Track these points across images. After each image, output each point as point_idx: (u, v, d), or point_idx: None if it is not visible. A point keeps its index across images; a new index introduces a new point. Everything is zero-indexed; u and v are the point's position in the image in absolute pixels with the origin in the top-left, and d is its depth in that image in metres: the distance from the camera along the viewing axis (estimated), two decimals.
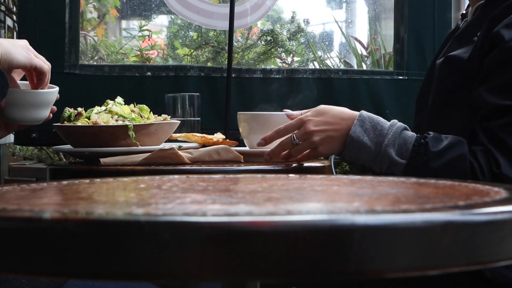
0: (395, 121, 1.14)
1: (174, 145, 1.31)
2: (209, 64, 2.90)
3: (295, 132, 1.17)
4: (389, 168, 1.09)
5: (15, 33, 3.40)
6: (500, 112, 1.05)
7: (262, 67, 2.83)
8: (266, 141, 1.22)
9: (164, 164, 1.23)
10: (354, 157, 1.14)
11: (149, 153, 1.24)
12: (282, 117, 1.38)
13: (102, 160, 1.24)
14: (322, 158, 1.41)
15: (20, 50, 1.13)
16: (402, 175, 1.06)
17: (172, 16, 3.27)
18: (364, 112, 1.15)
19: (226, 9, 2.63)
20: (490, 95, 1.06)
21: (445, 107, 1.19)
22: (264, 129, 1.33)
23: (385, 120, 1.14)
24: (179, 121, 1.43)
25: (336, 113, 1.16)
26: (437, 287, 1.04)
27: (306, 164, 1.27)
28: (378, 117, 1.15)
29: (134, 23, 3.37)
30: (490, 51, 1.09)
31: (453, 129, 1.12)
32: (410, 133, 1.11)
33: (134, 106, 1.39)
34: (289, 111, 1.22)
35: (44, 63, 1.15)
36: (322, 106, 1.18)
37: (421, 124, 1.25)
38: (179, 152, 1.24)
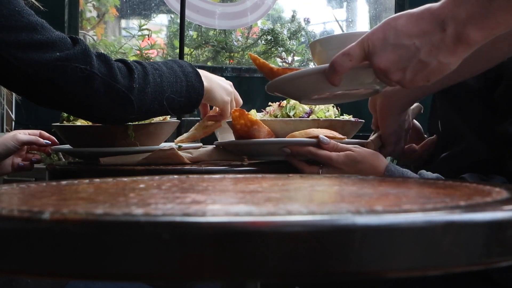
0: (423, 171, 1.13)
1: (174, 145, 1.31)
2: (209, 64, 2.90)
3: (322, 167, 1.17)
4: None
5: None
6: None
7: None
8: (292, 152, 1.19)
9: (164, 164, 1.23)
10: None
11: (148, 153, 1.24)
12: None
13: (102, 159, 1.24)
14: None
15: (221, 91, 1.31)
16: None
17: (172, 15, 3.27)
18: (390, 166, 1.14)
19: (226, 8, 2.63)
20: None
21: (453, 118, 1.19)
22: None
23: (412, 172, 1.13)
24: (179, 121, 1.43)
25: (364, 168, 1.14)
26: None
27: None
28: (405, 170, 1.14)
29: (134, 22, 3.37)
30: (497, 80, 1.09)
31: (466, 135, 1.13)
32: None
33: None
34: (324, 138, 1.17)
35: (228, 111, 1.34)
36: (355, 155, 1.16)
37: (435, 127, 1.26)
38: (179, 152, 1.24)
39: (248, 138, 1.22)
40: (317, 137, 1.17)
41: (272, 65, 1.02)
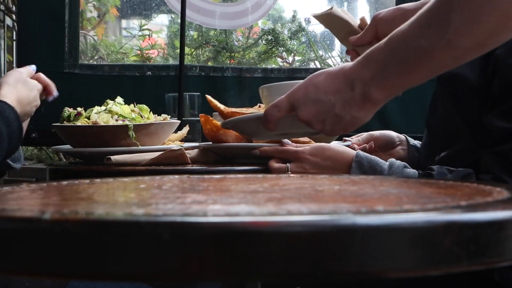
0: (393, 160, 1.15)
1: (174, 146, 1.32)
2: (209, 64, 2.90)
3: (289, 163, 1.21)
4: None
5: (14, 33, 3.40)
6: (511, 135, 1.03)
7: (263, 66, 2.83)
8: (261, 153, 1.24)
9: (165, 164, 1.23)
10: None
11: (154, 153, 1.24)
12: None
13: (113, 157, 1.23)
14: None
15: (29, 102, 1.20)
16: None
17: (173, 15, 3.26)
18: (360, 152, 1.16)
19: (226, 8, 2.63)
20: (499, 120, 1.06)
21: (453, 117, 1.19)
22: None
23: (383, 160, 1.15)
24: (179, 121, 1.43)
25: (332, 154, 1.18)
26: None
27: None
28: (375, 157, 1.17)
29: (134, 22, 3.37)
30: (494, 74, 1.09)
31: (465, 134, 1.12)
32: (412, 171, 1.11)
33: (134, 106, 1.39)
34: (286, 141, 1.24)
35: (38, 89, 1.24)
36: (319, 145, 1.20)
37: (434, 127, 1.26)
38: (184, 151, 1.25)
39: (217, 141, 1.30)
40: (279, 141, 1.24)
41: (222, 107, 1.23)
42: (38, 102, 1.25)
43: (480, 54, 0.78)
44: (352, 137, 1.47)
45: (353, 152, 1.16)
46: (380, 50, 0.82)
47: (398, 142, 1.44)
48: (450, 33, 0.74)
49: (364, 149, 1.33)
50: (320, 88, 0.89)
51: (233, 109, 1.24)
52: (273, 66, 2.92)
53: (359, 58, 0.85)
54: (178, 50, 2.36)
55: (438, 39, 0.75)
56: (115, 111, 1.34)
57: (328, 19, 1.17)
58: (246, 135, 1.17)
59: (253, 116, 1.01)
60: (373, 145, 1.39)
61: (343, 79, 0.86)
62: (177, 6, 2.41)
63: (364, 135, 1.46)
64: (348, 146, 1.31)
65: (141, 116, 1.36)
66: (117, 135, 1.28)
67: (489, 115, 1.07)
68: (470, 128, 1.15)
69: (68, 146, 1.40)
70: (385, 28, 1.08)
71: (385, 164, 1.13)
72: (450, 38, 0.74)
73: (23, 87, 1.20)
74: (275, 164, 1.21)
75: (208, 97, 1.30)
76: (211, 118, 1.30)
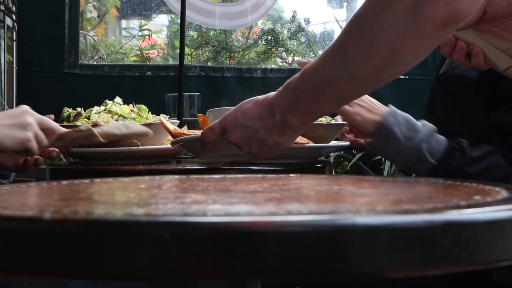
0: (425, 121, 1.13)
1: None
2: (209, 64, 2.90)
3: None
4: (416, 165, 1.08)
5: (14, 33, 3.41)
6: None
7: (263, 66, 2.83)
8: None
9: (160, 163, 1.23)
10: (379, 145, 1.13)
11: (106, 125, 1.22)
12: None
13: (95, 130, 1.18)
14: (322, 158, 1.41)
15: (14, 132, 1.08)
16: (425, 175, 1.05)
17: (172, 16, 3.27)
18: (391, 106, 1.16)
19: (226, 8, 2.64)
20: (509, 115, 1.06)
21: (453, 119, 1.19)
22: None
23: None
24: (178, 121, 1.43)
25: (375, 101, 1.19)
26: None
27: (306, 161, 1.28)
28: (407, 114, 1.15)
29: (134, 23, 3.37)
30: (499, 75, 1.09)
31: (464, 138, 1.13)
32: (441, 136, 1.10)
33: (133, 106, 1.39)
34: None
35: (34, 145, 1.10)
36: (365, 96, 1.18)
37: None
38: (94, 131, 1.18)
39: None
40: None
41: (171, 129, 1.27)
42: (25, 140, 1.10)
43: (380, 86, 0.82)
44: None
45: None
46: (296, 79, 0.88)
47: None
48: (348, 63, 0.78)
49: (360, 144, 1.33)
50: (246, 114, 0.97)
51: (181, 130, 1.27)
52: (273, 66, 2.93)
53: (281, 87, 0.92)
54: (178, 50, 2.36)
55: (339, 69, 0.80)
56: (115, 111, 1.34)
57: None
58: (194, 154, 1.23)
59: (194, 138, 1.10)
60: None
61: (266, 107, 0.93)
62: (177, 6, 2.41)
63: None
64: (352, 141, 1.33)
65: (140, 116, 1.36)
66: None
67: (499, 111, 1.08)
68: (470, 130, 1.15)
69: None
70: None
71: (417, 121, 1.12)
72: (348, 68, 0.79)
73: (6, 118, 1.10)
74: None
75: (161, 118, 1.34)
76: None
